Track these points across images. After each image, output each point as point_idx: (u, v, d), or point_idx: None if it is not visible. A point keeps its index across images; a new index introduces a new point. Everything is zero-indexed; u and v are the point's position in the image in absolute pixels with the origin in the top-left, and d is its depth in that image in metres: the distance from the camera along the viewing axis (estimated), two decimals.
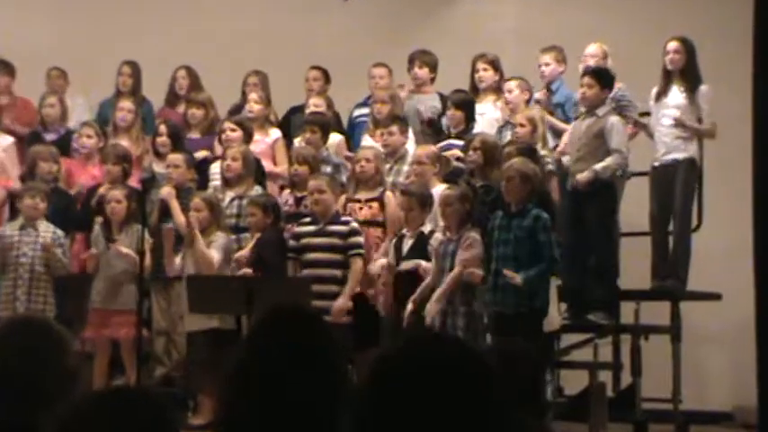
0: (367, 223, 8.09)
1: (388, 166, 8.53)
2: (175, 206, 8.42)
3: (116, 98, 9.95)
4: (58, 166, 9.00)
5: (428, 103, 9.29)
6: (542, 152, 8.18)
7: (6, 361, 2.77)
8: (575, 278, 7.97)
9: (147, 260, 7.93)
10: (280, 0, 11.49)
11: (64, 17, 11.12)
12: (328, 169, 8.58)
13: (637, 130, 8.61)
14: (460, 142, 8.52)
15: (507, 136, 8.53)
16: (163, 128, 9.13)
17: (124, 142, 9.22)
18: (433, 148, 8.36)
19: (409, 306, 7.43)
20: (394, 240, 7.83)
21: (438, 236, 7.60)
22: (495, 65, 9.15)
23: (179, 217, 8.33)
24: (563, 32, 9.61)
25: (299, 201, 8.38)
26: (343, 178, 8.64)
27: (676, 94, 8.32)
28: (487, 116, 8.96)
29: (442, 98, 9.22)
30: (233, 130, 8.88)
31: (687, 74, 8.30)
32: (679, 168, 8.23)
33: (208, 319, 7.76)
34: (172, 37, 10.85)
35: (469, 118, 8.76)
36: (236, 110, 9.69)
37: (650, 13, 9.99)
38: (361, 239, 7.90)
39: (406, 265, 7.65)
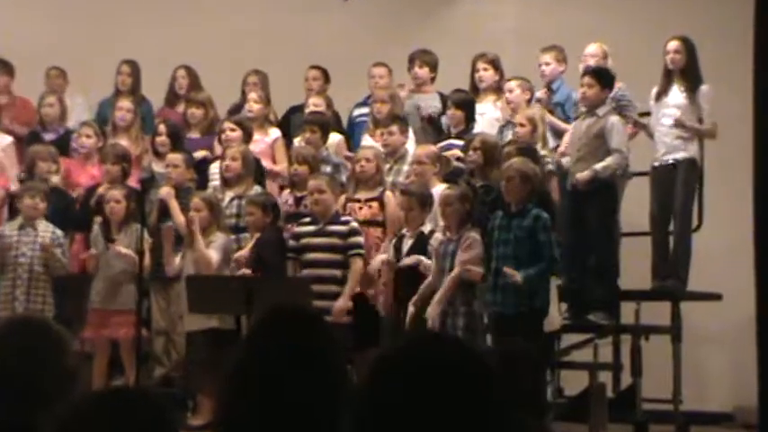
0: (367, 223, 8.09)
1: (387, 165, 8.52)
2: (175, 206, 8.42)
3: (115, 97, 9.95)
4: (57, 166, 8.99)
5: (428, 103, 9.28)
6: (542, 152, 8.18)
7: (5, 361, 2.77)
8: (575, 278, 7.97)
9: (147, 260, 7.92)
10: None
11: (63, 16, 11.11)
12: (328, 169, 8.58)
13: (636, 130, 8.60)
14: (461, 142, 8.51)
15: (508, 136, 8.53)
16: (162, 127, 9.13)
17: (123, 142, 9.21)
18: (433, 148, 8.36)
19: (410, 309, 7.42)
20: (394, 240, 7.83)
21: (438, 236, 7.60)
22: (495, 64, 9.14)
23: (178, 217, 8.33)
24: (563, 32, 9.60)
25: (298, 200, 8.38)
26: (343, 178, 8.64)
27: (677, 94, 8.31)
28: (488, 116, 8.95)
29: (443, 98, 9.21)
30: (232, 130, 8.88)
31: (688, 73, 8.29)
32: (679, 168, 8.23)
33: (207, 319, 7.75)
34: (171, 36, 10.85)
35: (470, 118, 8.76)
36: (236, 109, 9.68)
37: (650, 12, 9.98)
38: (360, 239, 7.89)
39: (408, 260, 7.64)
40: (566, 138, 8.50)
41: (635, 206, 8.46)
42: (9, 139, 9.50)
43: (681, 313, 8.14)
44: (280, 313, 2.61)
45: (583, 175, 7.93)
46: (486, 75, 9.13)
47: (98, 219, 8.53)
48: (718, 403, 9.08)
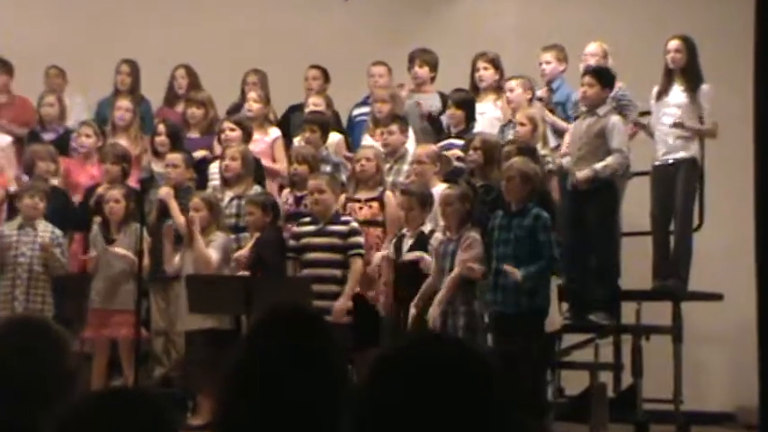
0: (367, 223, 8.08)
1: (387, 165, 8.52)
2: (174, 206, 8.41)
3: (114, 97, 9.94)
4: (56, 166, 8.98)
5: (429, 103, 9.28)
6: (543, 152, 8.17)
7: (5, 361, 2.77)
8: (575, 278, 7.96)
9: (146, 260, 7.91)
10: None
11: (62, 16, 11.10)
12: (328, 169, 8.57)
13: (636, 130, 8.59)
14: (461, 142, 8.50)
15: (509, 135, 8.51)
16: (162, 127, 9.12)
17: (123, 141, 9.20)
18: (433, 148, 8.35)
19: (412, 310, 7.41)
20: (394, 240, 7.82)
21: (438, 235, 7.59)
22: (495, 63, 9.13)
23: (178, 217, 8.32)
24: (563, 31, 9.60)
25: (298, 200, 8.37)
26: (343, 177, 8.63)
27: (677, 93, 8.30)
28: (488, 115, 8.94)
29: (443, 97, 9.21)
30: (232, 130, 8.87)
31: (688, 73, 8.28)
32: (680, 168, 8.22)
33: (204, 319, 7.74)
34: (171, 36, 10.84)
35: (470, 117, 8.75)
36: (236, 109, 9.68)
37: (650, 11, 9.97)
38: (361, 239, 7.88)
39: (410, 255, 7.62)
40: (566, 138, 8.49)
41: (635, 206, 8.45)
42: (8, 138, 9.49)
43: (682, 313, 8.14)
44: (280, 313, 2.61)
45: (582, 174, 7.91)
46: (487, 74, 9.12)
47: (97, 219, 8.52)
48: (718, 403, 9.07)
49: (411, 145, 8.69)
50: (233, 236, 8.24)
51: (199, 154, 9.08)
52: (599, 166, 7.91)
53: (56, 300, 8.38)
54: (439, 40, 9.96)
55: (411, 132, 8.83)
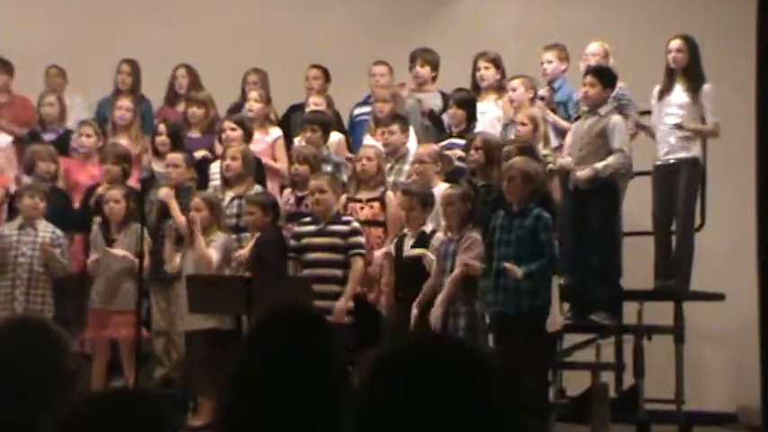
0: (368, 223, 8.07)
1: (389, 165, 8.51)
2: (174, 206, 8.40)
3: (115, 97, 9.93)
4: (56, 166, 8.97)
5: (430, 102, 9.27)
6: (544, 151, 8.16)
7: (5, 361, 2.77)
8: (577, 278, 7.95)
9: (146, 260, 7.91)
10: None
11: (63, 15, 11.10)
12: (329, 168, 8.57)
13: (637, 130, 8.58)
14: (462, 141, 8.49)
15: (511, 135, 8.50)
16: (162, 127, 9.11)
17: (123, 141, 9.19)
18: (434, 147, 8.34)
19: (414, 311, 7.40)
20: (395, 240, 7.81)
21: (439, 235, 7.58)
22: (496, 63, 9.13)
23: (179, 217, 8.31)
24: (564, 30, 9.59)
25: (299, 200, 8.37)
26: (344, 177, 8.62)
27: (679, 93, 8.29)
28: (489, 115, 8.94)
29: (444, 96, 9.20)
30: (233, 130, 8.86)
31: (690, 72, 8.27)
32: (682, 168, 8.21)
33: (207, 319, 7.73)
34: (171, 35, 10.83)
35: (471, 117, 8.75)
36: (236, 108, 9.67)
37: (651, 11, 9.97)
38: (362, 239, 7.88)
39: (412, 252, 7.61)
40: (568, 138, 8.48)
41: (637, 206, 8.44)
42: (8, 138, 9.49)
43: (683, 313, 8.13)
44: (281, 313, 2.61)
45: (583, 173, 7.91)
46: (488, 73, 9.11)
47: (97, 219, 8.52)
48: (720, 403, 9.06)
49: (412, 145, 8.68)
50: (234, 236, 8.23)
51: (199, 154, 9.08)
52: (599, 165, 7.90)
53: (56, 300, 8.38)
54: (439, 40, 9.96)
55: (412, 132, 8.82)
